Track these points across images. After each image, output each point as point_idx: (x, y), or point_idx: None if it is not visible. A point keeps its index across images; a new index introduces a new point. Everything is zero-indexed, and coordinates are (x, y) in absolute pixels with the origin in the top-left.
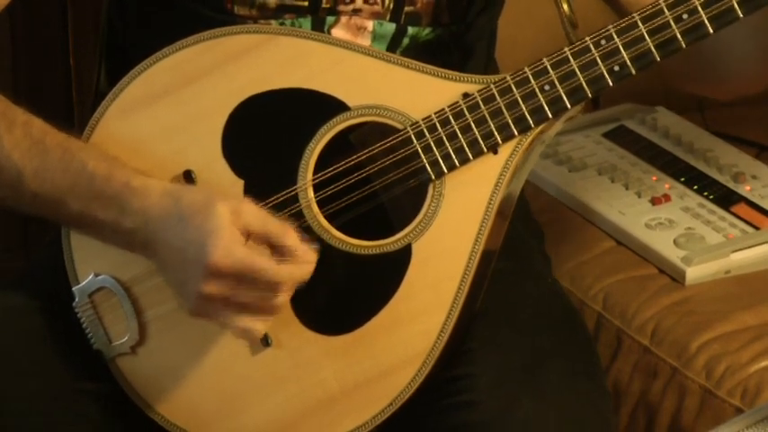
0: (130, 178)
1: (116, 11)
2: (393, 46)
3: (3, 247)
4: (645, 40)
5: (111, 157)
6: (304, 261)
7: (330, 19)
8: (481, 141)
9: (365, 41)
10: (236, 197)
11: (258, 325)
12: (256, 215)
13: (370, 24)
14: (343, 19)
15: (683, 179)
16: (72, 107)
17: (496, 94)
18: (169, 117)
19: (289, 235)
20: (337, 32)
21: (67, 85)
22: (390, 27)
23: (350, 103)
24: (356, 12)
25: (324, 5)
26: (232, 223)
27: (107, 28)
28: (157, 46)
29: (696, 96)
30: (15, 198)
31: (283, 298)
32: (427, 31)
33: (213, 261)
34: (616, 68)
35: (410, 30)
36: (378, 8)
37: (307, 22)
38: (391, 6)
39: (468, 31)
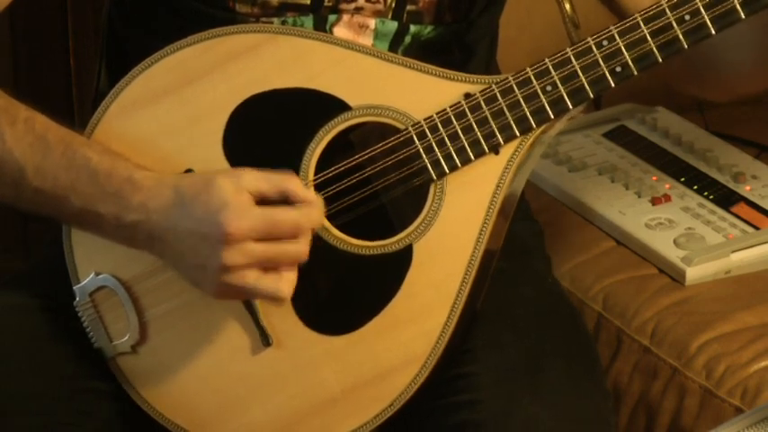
0: (132, 173)
1: (116, 10)
2: (395, 44)
3: (3, 247)
4: (647, 41)
5: (113, 153)
6: (314, 203)
7: (332, 17)
8: (483, 142)
9: (367, 40)
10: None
11: (285, 286)
12: (257, 176)
13: (372, 22)
14: (345, 17)
15: (683, 179)
16: (72, 107)
17: (498, 95)
18: (170, 117)
19: (293, 180)
20: (339, 31)
21: (67, 85)
22: (392, 25)
23: (351, 103)
24: (358, 10)
25: (326, 4)
26: (237, 191)
27: (107, 28)
28: (158, 45)
29: (696, 97)
30: (16, 194)
31: (304, 244)
32: (429, 29)
33: (231, 228)
34: (618, 69)
35: (412, 28)
36: (380, 6)
37: (309, 21)
38: (393, 5)
39: (470, 29)
